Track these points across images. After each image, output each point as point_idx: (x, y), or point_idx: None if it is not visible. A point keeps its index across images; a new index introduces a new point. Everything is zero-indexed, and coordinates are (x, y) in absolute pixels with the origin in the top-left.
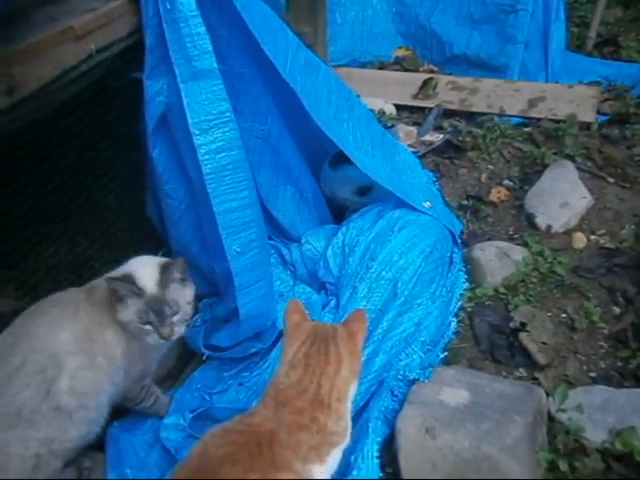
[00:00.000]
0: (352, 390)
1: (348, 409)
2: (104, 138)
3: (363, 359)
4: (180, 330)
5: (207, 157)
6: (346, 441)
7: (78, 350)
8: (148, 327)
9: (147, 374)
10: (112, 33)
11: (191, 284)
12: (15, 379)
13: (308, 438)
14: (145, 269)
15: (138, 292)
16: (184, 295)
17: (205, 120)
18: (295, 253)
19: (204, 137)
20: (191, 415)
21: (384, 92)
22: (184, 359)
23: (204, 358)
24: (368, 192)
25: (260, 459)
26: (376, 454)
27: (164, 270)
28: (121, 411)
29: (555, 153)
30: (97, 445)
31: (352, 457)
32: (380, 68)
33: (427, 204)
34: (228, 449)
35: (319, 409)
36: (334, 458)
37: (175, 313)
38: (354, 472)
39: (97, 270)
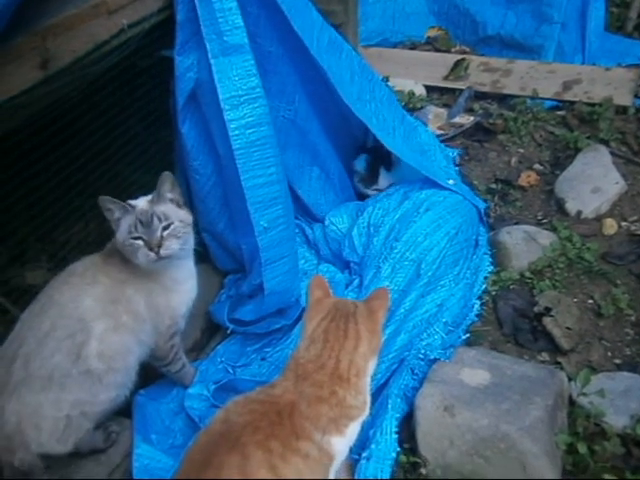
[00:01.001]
0: (371, 366)
1: (367, 384)
2: (133, 115)
3: (384, 337)
4: (171, 246)
5: (237, 132)
6: (365, 415)
7: (103, 313)
8: (139, 242)
9: (176, 332)
10: (144, 8)
11: (188, 210)
12: (46, 343)
13: (327, 410)
14: (141, 197)
15: (130, 209)
16: (177, 213)
17: (236, 95)
18: (318, 233)
19: (234, 112)
20: (215, 386)
21: (414, 73)
22: (209, 333)
23: (228, 332)
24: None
25: (281, 428)
26: (395, 430)
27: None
28: (147, 381)
29: (589, 137)
30: (124, 411)
31: (371, 431)
32: (411, 48)
33: (451, 182)
34: (249, 417)
35: (338, 383)
36: (353, 431)
37: (165, 227)
38: (372, 446)
39: None
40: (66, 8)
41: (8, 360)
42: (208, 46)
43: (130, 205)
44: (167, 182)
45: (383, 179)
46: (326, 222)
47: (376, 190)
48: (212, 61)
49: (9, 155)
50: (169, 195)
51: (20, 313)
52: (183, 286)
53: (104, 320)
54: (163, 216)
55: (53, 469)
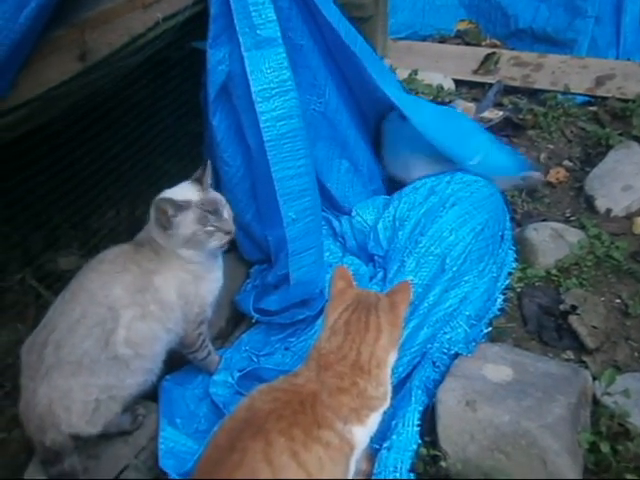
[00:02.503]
0: (392, 358)
1: (388, 375)
2: (165, 106)
3: (406, 331)
4: (233, 226)
5: (268, 124)
6: (386, 405)
7: (131, 302)
8: (211, 228)
9: (204, 320)
10: (178, 2)
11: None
12: (77, 329)
13: (349, 401)
14: (176, 190)
15: (185, 204)
16: (220, 197)
17: (267, 88)
18: (345, 225)
19: (266, 105)
20: (239, 374)
21: (444, 66)
22: (234, 322)
23: (253, 321)
24: None
25: (303, 416)
26: (417, 422)
27: (194, 182)
28: (174, 367)
29: (621, 134)
30: (151, 395)
31: (393, 422)
32: (441, 42)
33: (475, 161)
34: (273, 405)
35: (359, 374)
36: (374, 421)
37: (224, 209)
38: (394, 436)
39: None
40: (103, 2)
41: (40, 345)
42: (241, 39)
43: (185, 202)
44: (210, 171)
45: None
46: (353, 214)
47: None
48: (245, 54)
49: (47, 144)
50: (210, 182)
51: (53, 297)
52: (212, 275)
53: (132, 308)
54: (220, 201)
55: (82, 448)
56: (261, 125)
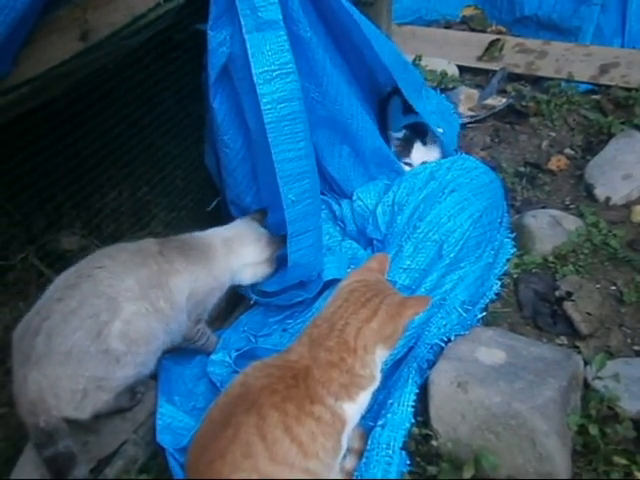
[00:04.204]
0: (380, 351)
1: (374, 363)
2: (167, 88)
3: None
4: None
5: (269, 107)
6: (374, 386)
7: (140, 296)
8: None
9: (204, 319)
10: None
11: None
12: (70, 320)
13: (338, 376)
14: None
15: None
16: None
17: (268, 70)
18: (346, 209)
19: (267, 87)
20: (236, 353)
21: (448, 52)
22: (233, 303)
23: (252, 303)
24: None
25: (296, 391)
26: (412, 403)
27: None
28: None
29: (623, 123)
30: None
31: (389, 401)
32: (446, 27)
33: (440, 130)
34: (267, 380)
35: (345, 350)
36: (363, 399)
37: None
38: (388, 415)
39: (155, 215)
40: None
41: (33, 331)
42: (242, 21)
43: None
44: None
45: (417, 152)
46: (354, 197)
47: (407, 164)
48: (246, 36)
49: (49, 123)
50: None
51: (54, 276)
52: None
53: (138, 302)
54: None
55: (81, 422)
56: (262, 107)
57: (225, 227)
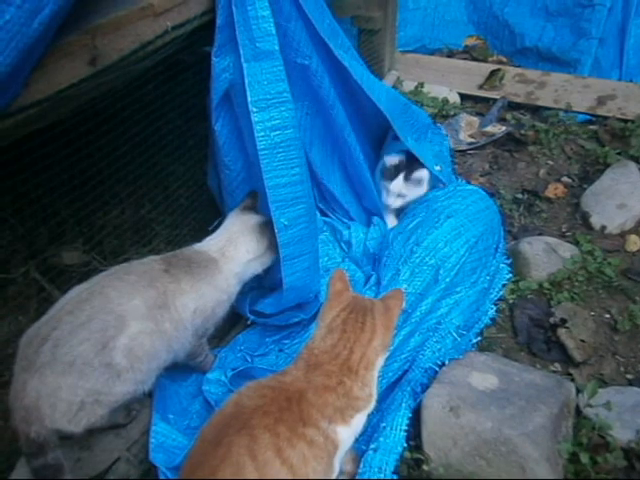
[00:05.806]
0: (380, 361)
1: (374, 378)
2: (173, 109)
3: (397, 338)
4: None
5: (262, 134)
6: (370, 407)
7: (147, 316)
8: None
9: (210, 333)
10: (187, 11)
11: None
12: (78, 333)
13: (334, 400)
14: None
15: None
16: None
17: (263, 99)
18: (355, 232)
19: (261, 115)
20: (232, 372)
21: (450, 80)
22: (230, 322)
23: (249, 323)
24: None
25: (289, 413)
26: (405, 427)
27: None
28: None
29: (619, 153)
30: None
31: (381, 425)
32: (449, 56)
33: (438, 168)
34: (260, 401)
35: (347, 374)
36: (358, 422)
37: None
38: (381, 439)
39: (158, 232)
40: (115, 9)
41: (40, 339)
42: (241, 50)
43: None
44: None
45: (397, 183)
46: (374, 222)
47: (386, 189)
48: (244, 65)
49: (56, 142)
50: None
51: (55, 291)
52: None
53: (144, 322)
54: None
55: (74, 438)
56: (255, 134)
57: (217, 233)
